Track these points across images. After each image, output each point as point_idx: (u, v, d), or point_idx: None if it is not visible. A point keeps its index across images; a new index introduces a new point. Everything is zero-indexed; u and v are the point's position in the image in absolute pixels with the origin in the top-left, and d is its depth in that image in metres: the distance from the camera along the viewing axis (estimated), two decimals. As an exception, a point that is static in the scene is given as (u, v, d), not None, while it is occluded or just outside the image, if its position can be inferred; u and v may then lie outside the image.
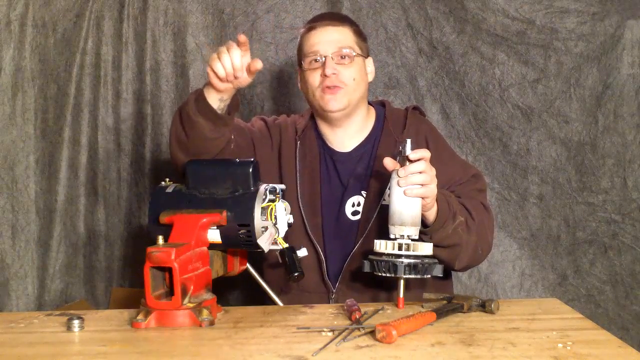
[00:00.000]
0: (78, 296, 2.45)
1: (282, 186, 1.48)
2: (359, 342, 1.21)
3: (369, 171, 1.73)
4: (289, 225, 1.49)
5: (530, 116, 2.26)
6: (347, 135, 1.78)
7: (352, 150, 1.78)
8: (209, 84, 1.56)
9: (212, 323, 1.34)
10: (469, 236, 1.60)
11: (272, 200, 1.44)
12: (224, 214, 1.41)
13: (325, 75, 1.68)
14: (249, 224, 1.40)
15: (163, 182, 1.55)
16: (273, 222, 1.44)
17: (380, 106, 1.86)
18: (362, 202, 1.72)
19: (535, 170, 2.28)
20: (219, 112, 1.59)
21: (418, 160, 1.44)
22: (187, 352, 1.20)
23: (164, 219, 1.44)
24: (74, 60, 2.40)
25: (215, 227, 1.43)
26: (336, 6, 2.33)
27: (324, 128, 1.80)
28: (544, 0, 2.23)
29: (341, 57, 1.71)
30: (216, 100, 1.58)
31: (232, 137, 1.67)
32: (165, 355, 1.19)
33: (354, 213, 1.73)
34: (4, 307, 2.36)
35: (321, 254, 1.72)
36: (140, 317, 1.34)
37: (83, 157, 2.43)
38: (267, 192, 1.44)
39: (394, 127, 1.77)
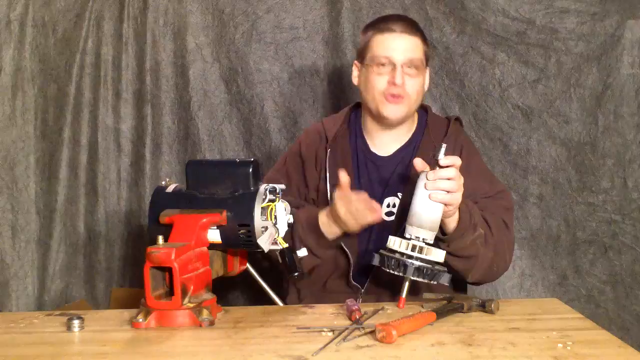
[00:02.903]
0: (78, 296, 2.45)
1: (282, 186, 1.48)
2: (359, 342, 1.21)
3: (407, 174, 1.73)
4: (289, 225, 1.49)
5: (530, 116, 2.26)
6: (393, 137, 1.78)
7: (393, 153, 1.78)
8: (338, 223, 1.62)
9: (212, 323, 1.34)
10: (486, 251, 1.58)
11: (272, 200, 1.44)
12: (224, 214, 1.41)
13: (394, 84, 1.67)
14: (249, 224, 1.40)
15: (163, 182, 1.55)
16: (273, 222, 1.44)
17: (422, 110, 1.86)
18: (397, 203, 1.72)
19: (535, 170, 2.28)
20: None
21: (449, 166, 1.43)
22: (187, 352, 1.20)
23: (164, 219, 1.44)
24: (74, 60, 2.40)
25: (215, 227, 1.42)
26: (336, 6, 2.33)
27: (373, 129, 1.79)
28: (544, 0, 2.23)
29: (409, 67, 1.69)
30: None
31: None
32: (165, 355, 1.19)
33: (389, 214, 1.73)
34: (4, 307, 2.36)
35: (351, 258, 1.71)
36: (140, 317, 1.34)
37: (83, 157, 2.43)
38: (267, 192, 1.44)
39: (434, 134, 1.77)
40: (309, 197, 1.79)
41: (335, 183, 1.73)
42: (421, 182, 1.44)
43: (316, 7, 2.36)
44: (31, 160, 2.41)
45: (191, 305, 1.34)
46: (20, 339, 1.31)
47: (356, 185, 1.76)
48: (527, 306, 1.48)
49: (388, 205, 1.74)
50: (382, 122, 1.75)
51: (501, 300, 1.47)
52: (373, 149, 1.81)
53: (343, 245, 1.71)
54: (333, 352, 1.16)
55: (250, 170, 1.44)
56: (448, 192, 1.43)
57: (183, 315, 1.34)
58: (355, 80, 1.81)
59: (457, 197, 1.45)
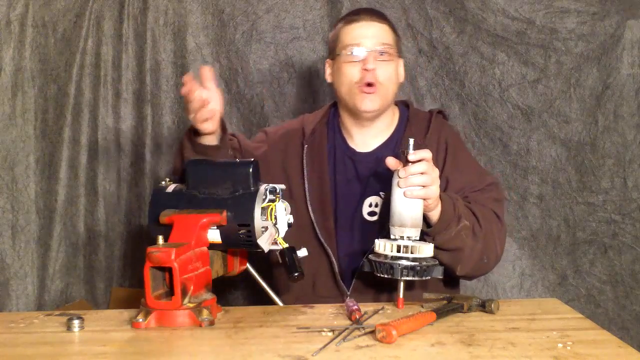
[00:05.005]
0: (78, 296, 2.45)
1: (282, 186, 1.48)
2: (359, 342, 1.21)
3: (389, 172, 1.72)
4: (289, 225, 1.49)
5: (530, 116, 2.26)
6: (371, 134, 1.76)
7: (373, 150, 1.76)
8: (196, 134, 1.60)
9: (212, 323, 1.34)
10: (474, 242, 1.57)
11: (272, 200, 1.44)
12: (224, 214, 1.41)
13: (366, 70, 1.66)
14: (249, 224, 1.40)
15: (163, 182, 1.55)
16: (273, 222, 1.44)
17: (403, 106, 1.84)
18: (379, 203, 1.71)
19: (535, 170, 2.28)
20: (216, 143, 1.62)
21: (419, 161, 1.43)
22: (187, 352, 1.20)
23: (164, 219, 1.44)
24: (74, 60, 2.40)
25: (215, 227, 1.42)
26: (336, 6, 2.34)
27: (349, 124, 1.77)
28: (544, 0, 2.23)
29: (380, 54, 1.69)
30: (213, 139, 1.62)
31: (230, 152, 1.70)
32: (165, 355, 1.19)
33: (371, 214, 1.71)
34: (4, 307, 2.36)
35: (332, 257, 1.70)
36: (140, 317, 1.34)
37: (83, 157, 2.43)
38: (267, 192, 1.44)
39: (416, 129, 1.75)
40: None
41: (312, 179, 1.73)
42: (395, 181, 1.44)
43: (316, 7, 2.37)
44: (31, 160, 2.42)
45: (191, 305, 1.34)
46: (20, 339, 1.31)
47: (332, 181, 1.75)
48: (527, 306, 1.48)
49: (370, 205, 1.72)
50: (359, 116, 1.73)
51: (501, 300, 1.47)
52: (352, 145, 1.78)
53: (325, 244, 1.70)
54: (333, 352, 1.16)
55: (250, 170, 1.44)
56: (423, 186, 1.42)
57: (183, 315, 1.34)
58: (328, 77, 1.80)
59: (433, 190, 1.44)
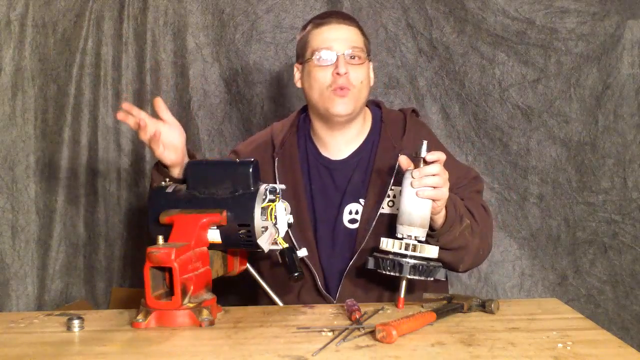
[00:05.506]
0: (78, 296, 2.45)
1: (282, 186, 1.48)
2: (359, 342, 1.21)
3: (367, 178, 1.69)
4: (289, 225, 1.48)
5: (530, 116, 2.26)
6: (345, 139, 1.73)
7: (348, 157, 1.73)
8: (161, 167, 1.60)
9: (212, 323, 1.34)
10: (473, 239, 1.59)
11: (272, 200, 1.44)
12: (224, 214, 1.41)
13: (338, 74, 1.63)
14: (249, 224, 1.40)
15: (163, 182, 1.55)
16: (273, 222, 1.44)
17: (375, 107, 1.81)
18: (360, 210, 1.68)
19: (535, 170, 2.28)
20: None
21: (433, 162, 1.43)
22: (187, 352, 1.20)
23: (164, 219, 1.44)
24: (74, 60, 2.40)
25: (215, 227, 1.43)
26: (336, 6, 2.33)
27: (322, 132, 1.74)
28: (544, 0, 2.23)
29: (351, 57, 1.65)
30: (177, 171, 1.60)
31: None
32: (165, 355, 1.19)
33: (352, 221, 1.69)
34: (4, 307, 2.36)
35: (313, 269, 1.66)
36: (140, 317, 1.34)
37: (83, 157, 2.43)
38: (267, 192, 1.44)
39: (392, 131, 1.73)
40: None
41: (287, 191, 1.68)
42: (407, 181, 1.44)
43: (316, 7, 2.36)
44: (31, 160, 2.42)
45: (191, 305, 1.34)
46: (20, 339, 1.31)
47: (308, 192, 1.72)
48: (527, 306, 1.48)
49: (350, 213, 1.69)
50: (332, 120, 1.69)
51: (501, 300, 1.47)
52: (325, 153, 1.75)
53: (304, 258, 1.63)
54: (333, 352, 1.16)
55: (250, 170, 1.44)
56: (434, 187, 1.43)
57: (183, 315, 1.34)
58: (298, 83, 1.76)
59: (444, 192, 1.45)
